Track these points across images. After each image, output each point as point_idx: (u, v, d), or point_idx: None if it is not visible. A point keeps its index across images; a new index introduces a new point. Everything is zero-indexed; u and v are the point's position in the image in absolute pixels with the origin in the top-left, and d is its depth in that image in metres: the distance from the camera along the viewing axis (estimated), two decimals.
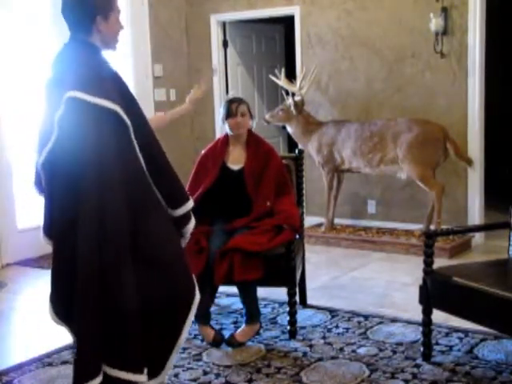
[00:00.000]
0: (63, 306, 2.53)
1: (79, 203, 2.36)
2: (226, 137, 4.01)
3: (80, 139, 2.36)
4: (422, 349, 3.40)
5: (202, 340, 3.71)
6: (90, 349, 2.42)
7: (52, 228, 2.52)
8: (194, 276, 2.65)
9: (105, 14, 2.51)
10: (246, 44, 7.29)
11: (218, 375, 3.31)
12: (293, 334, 3.75)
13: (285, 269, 3.73)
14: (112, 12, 2.54)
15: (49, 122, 2.42)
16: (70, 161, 2.38)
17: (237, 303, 4.20)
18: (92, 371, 2.41)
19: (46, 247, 6.17)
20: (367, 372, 3.29)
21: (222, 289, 3.90)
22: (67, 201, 2.40)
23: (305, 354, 3.53)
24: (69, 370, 3.40)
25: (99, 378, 2.43)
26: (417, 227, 5.84)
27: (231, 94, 4.24)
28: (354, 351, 3.54)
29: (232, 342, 3.66)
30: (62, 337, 3.80)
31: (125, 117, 2.41)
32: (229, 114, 3.91)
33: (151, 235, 2.49)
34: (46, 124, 2.44)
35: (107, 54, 2.59)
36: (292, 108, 5.93)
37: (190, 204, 2.64)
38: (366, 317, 4.03)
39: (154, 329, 2.52)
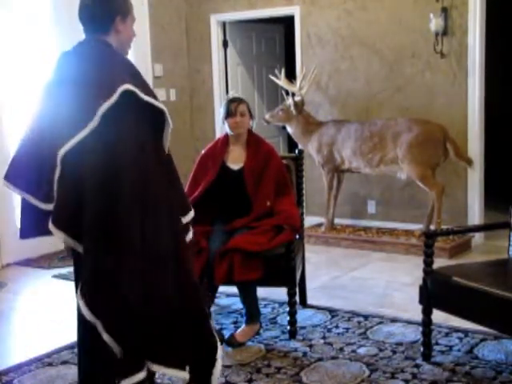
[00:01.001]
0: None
1: (120, 193, 2.37)
2: (226, 136, 4.01)
3: (125, 131, 2.39)
4: (421, 349, 3.40)
5: None
6: (135, 342, 2.43)
7: (77, 219, 2.43)
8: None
9: (123, 16, 2.57)
10: (246, 44, 7.29)
11: None
12: (293, 334, 3.75)
13: (285, 269, 3.73)
14: (129, 16, 2.60)
15: (73, 116, 2.39)
16: (108, 152, 2.37)
17: (237, 303, 4.20)
18: (137, 365, 2.44)
19: (46, 247, 6.16)
20: (367, 372, 3.29)
21: (221, 289, 3.90)
22: (104, 191, 2.38)
23: (305, 354, 3.53)
24: (69, 369, 3.41)
25: (143, 373, 2.45)
26: (417, 227, 5.84)
27: (231, 94, 4.24)
28: (353, 351, 3.54)
29: (232, 342, 3.66)
30: (62, 337, 3.81)
31: (169, 117, 2.48)
32: (228, 114, 3.91)
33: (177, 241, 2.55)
34: (69, 117, 2.40)
35: None
36: (292, 108, 5.93)
37: (192, 214, 2.68)
38: (366, 317, 4.03)
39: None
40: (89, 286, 2.42)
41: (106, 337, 2.42)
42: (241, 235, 3.70)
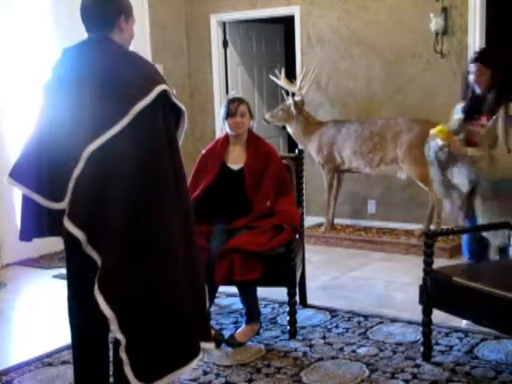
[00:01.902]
0: None
1: (153, 194, 2.42)
2: (227, 136, 4.00)
3: (156, 130, 2.43)
4: (421, 349, 3.40)
5: None
6: (192, 325, 2.52)
7: (95, 217, 2.43)
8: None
9: (126, 15, 2.60)
10: (246, 44, 7.29)
11: (217, 375, 3.31)
12: (293, 334, 3.75)
13: (285, 269, 3.72)
14: (131, 16, 2.63)
15: (99, 114, 2.40)
16: (140, 150, 2.40)
17: (237, 303, 4.20)
18: (198, 347, 2.55)
19: (46, 247, 6.14)
20: (367, 372, 3.29)
21: (221, 289, 3.90)
22: (136, 190, 2.40)
23: (305, 353, 3.53)
24: (69, 369, 3.40)
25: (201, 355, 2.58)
26: (417, 227, 5.84)
27: (231, 94, 4.23)
28: (353, 351, 3.54)
29: (232, 342, 3.66)
30: (62, 337, 3.80)
31: (186, 117, 2.58)
32: (228, 114, 3.90)
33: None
34: (94, 115, 2.41)
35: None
36: (292, 108, 5.93)
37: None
38: (366, 317, 4.03)
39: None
40: (112, 284, 2.42)
41: (119, 336, 2.42)
42: (241, 235, 3.70)
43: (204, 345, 2.61)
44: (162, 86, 2.43)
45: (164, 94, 2.44)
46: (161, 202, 2.42)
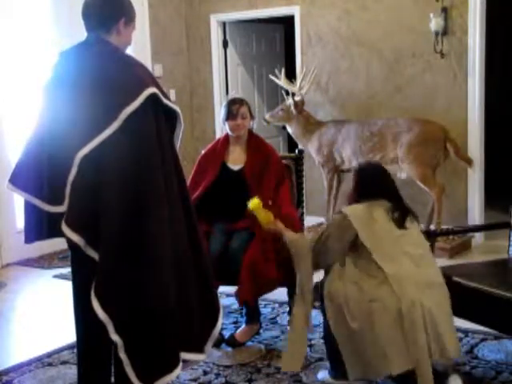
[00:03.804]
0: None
1: (145, 195, 2.41)
2: (227, 137, 4.00)
3: (148, 132, 2.42)
4: None
5: None
6: (175, 336, 2.48)
7: (92, 221, 2.42)
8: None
9: (127, 20, 2.59)
10: (246, 44, 7.29)
11: (217, 375, 3.31)
12: None
13: (285, 269, 3.71)
14: (132, 22, 2.62)
15: (92, 117, 2.40)
16: (131, 153, 2.39)
17: (237, 303, 4.19)
18: (177, 359, 2.50)
19: (46, 247, 6.12)
20: None
21: (222, 289, 3.89)
22: (129, 192, 2.39)
23: None
24: (69, 369, 3.41)
25: (180, 367, 2.51)
26: None
27: (232, 95, 4.23)
28: None
29: (232, 342, 3.66)
30: (62, 337, 3.80)
31: (181, 118, 2.56)
32: (229, 116, 3.89)
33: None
34: (87, 118, 2.41)
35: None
36: (292, 108, 5.93)
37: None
38: None
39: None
40: (107, 288, 2.41)
41: (115, 338, 2.42)
42: (252, 256, 3.64)
43: (189, 356, 2.58)
44: (150, 90, 2.41)
45: (154, 97, 2.43)
46: (154, 204, 2.40)
